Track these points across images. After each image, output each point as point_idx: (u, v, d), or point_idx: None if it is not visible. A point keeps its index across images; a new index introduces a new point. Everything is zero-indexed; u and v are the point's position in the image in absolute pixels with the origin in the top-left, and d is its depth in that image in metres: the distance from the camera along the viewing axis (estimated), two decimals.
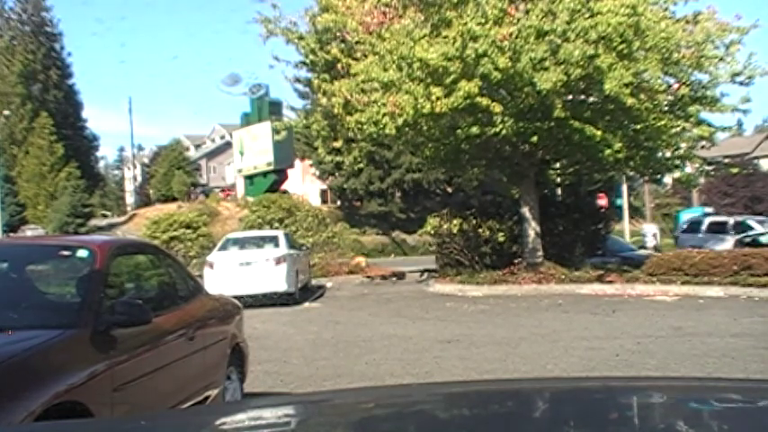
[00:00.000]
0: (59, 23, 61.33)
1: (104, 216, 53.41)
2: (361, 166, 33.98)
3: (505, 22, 13.53)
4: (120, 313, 3.76)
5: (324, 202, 42.30)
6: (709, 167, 19.33)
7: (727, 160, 34.93)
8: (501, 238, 17.64)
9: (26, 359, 3.23)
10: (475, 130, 14.73)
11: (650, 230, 30.29)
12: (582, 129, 14.40)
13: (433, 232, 19.28)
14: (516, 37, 13.36)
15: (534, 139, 15.23)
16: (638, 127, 15.12)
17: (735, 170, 26.72)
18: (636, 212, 39.67)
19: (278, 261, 15.08)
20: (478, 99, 13.60)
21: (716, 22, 14.74)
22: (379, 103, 14.46)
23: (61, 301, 4.34)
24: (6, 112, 45.60)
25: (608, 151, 14.92)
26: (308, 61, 16.96)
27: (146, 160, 67.53)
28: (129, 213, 51.88)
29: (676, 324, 10.27)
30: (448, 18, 13.86)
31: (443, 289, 16.58)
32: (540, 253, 16.52)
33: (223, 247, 16.28)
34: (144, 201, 57.01)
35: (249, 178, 34.51)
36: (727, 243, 20.98)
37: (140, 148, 76.88)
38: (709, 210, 39.27)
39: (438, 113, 14.07)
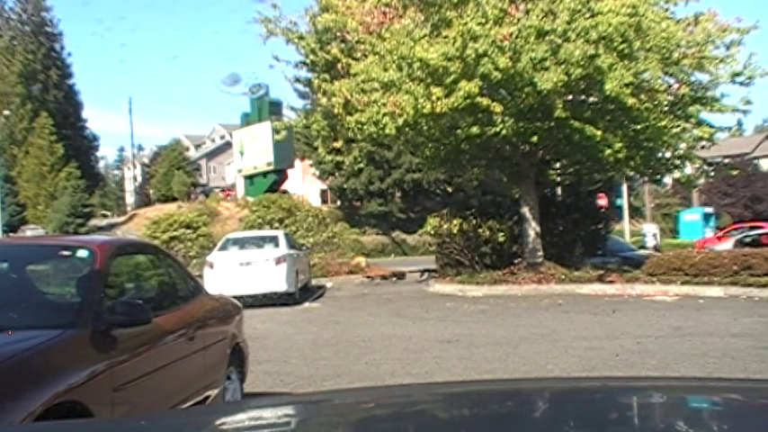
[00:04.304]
0: (59, 23, 61.57)
1: (104, 216, 53.42)
2: (361, 166, 34.01)
3: (506, 22, 13.53)
4: (120, 313, 3.76)
5: (324, 202, 42.30)
6: (709, 168, 19.33)
7: (727, 160, 35.04)
8: (501, 238, 17.63)
9: (26, 359, 3.23)
10: (475, 130, 14.73)
11: (650, 230, 30.27)
12: (582, 129, 14.40)
13: (433, 232, 19.28)
14: (516, 37, 13.36)
15: (534, 139, 15.23)
16: (639, 127, 15.12)
17: (735, 171, 26.76)
18: (636, 212, 39.67)
19: (278, 261, 15.08)
20: (479, 99, 13.60)
21: (716, 23, 14.74)
22: (379, 103, 14.45)
23: (61, 301, 4.34)
24: (6, 112, 45.62)
25: (608, 151, 14.91)
26: (308, 61, 16.96)
27: (146, 160, 67.53)
28: (129, 213, 51.90)
29: (676, 324, 10.27)
30: (448, 18, 13.85)
31: (443, 289, 16.58)
32: (540, 253, 16.52)
33: (223, 247, 16.27)
34: (144, 201, 57.02)
35: (249, 178, 34.53)
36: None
37: (140, 148, 77.03)
38: (709, 210, 39.39)
39: (438, 113, 14.06)
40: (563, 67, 13.34)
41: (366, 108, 14.65)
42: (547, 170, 18.41)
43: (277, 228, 22.32)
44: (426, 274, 19.88)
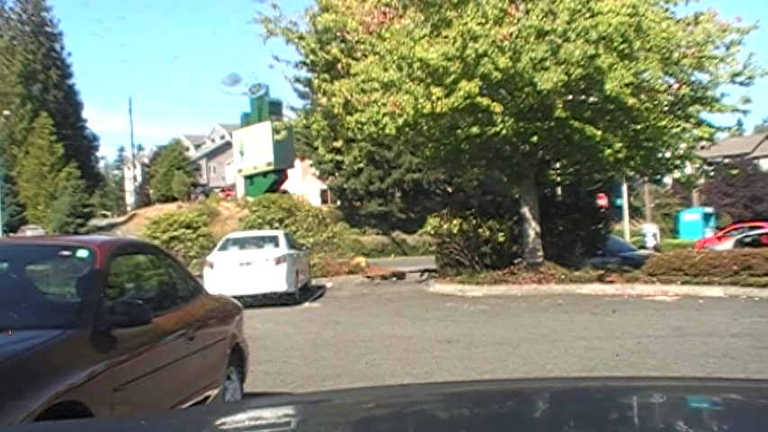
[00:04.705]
0: (59, 23, 61.53)
1: (104, 216, 53.42)
2: (361, 166, 33.97)
3: (506, 22, 13.53)
4: (120, 313, 3.76)
5: (324, 202, 42.30)
6: (709, 168, 19.33)
7: (727, 160, 35.04)
8: (501, 238, 17.63)
9: (26, 359, 3.23)
10: (475, 130, 14.73)
11: (650, 230, 30.28)
12: (582, 129, 14.40)
13: (433, 232, 19.28)
14: (516, 37, 13.36)
15: (534, 139, 15.23)
16: (639, 127, 15.12)
17: (735, 171, 26.75)
18: (636, 212, 39.67)
19: (278, 261, 15.08)
20: (479, 99, 13.60)
21: (716, 23, 14.74)
22: (379, 103, 14.45)
23: (61, 301, 4.34)
24: (6, 112, 45.59)
25: (608, 151, 14.92)
26: (308, 61, 16.96)
27: (146, 160, 67.53)
28: (129, 213, 51.89)
29: (676, 324, 10.27)
30: (448, 18, 13.85)
31: (443, 289, 16.58)
32: (540, 253, 16.51)
33: (223, 247, 16.27)
34: (144, 201, 57.01)
35: (249, 178, 34.54)
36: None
37: (140, 148, 77.03)
38: (709, 210, 39.41)
39: (438, 113, 14.06)
40: (563, 67, 13.34)
41: (366, 108, 14.64)
42: (547, 170, 18.41)
43: (277, 228, 22.33)
44: (426, 274, 19.87)
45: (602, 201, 26.93)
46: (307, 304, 15.06)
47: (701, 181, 24.54)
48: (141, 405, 3.83)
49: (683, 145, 16.81)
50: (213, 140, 73.12)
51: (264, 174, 32.96)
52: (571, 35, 13.37)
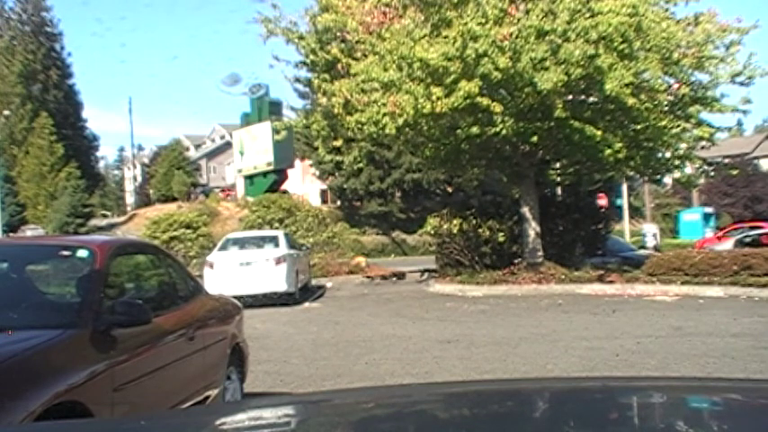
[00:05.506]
0: (59, 23, 61.54)
1: (104, 216, 53.39)
2: (361, 166, 33.99)
3: (506, 22, 13.53)
4: (120, 313, 3.76)
5: (324, 202, 42.29)
6: (709, 168, 19.34)
7: (727, 160, 35.04)
8: (501, 238, 17.63)
9: (26, 359, 3.23)
10: (475, 130, 14.73)
11: (650, 230, 30.28)
12: (582, 129, 14.40)
13: (433, 232, 19.29)
14: (516, 37, 13.36)
15: (534, 139, 15.23)
16: (639, 127, 15.13)
17: (735, 171, 26.75)
18: (636, 212, 39.67)
19: (278, 261, 15.08)
20: (479, 99, 13.60)
21: (716, 23, 14.75)
22: (379, 103, 14.46)
23: (61, 301, 4.34)
24: (6, 112, 45.58)
25: (608, 151, 14.92)
26: (308, 61, 16.96)
27: (146, 160, 67.51)
28: (129, 213, 51.87)
29: (676, 324, 10.27)
30: (448, 18, 13.86)
31: (443, 289, 16.58)
32: (540, 253, 16.51)
33: (223, 247, 16.27)
34: (144, 201, 56.99)
35: (249, 178, 34.56)
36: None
37: (140, 148, 77.05)
38: (709, 210, 39.40)
39: (438, 113, 14.06)
40: (563, 67, 13.34)
41: (366, 108, 14.65)
42: (547, 170, 18.41)
43: (277, 228, 22.34)
44: (426, 274, 19.87)
45: (602, 201, 26.93)
46: (307, 304, 15.06)
47: (701, 181, 24.55)
48: (141, 405, 3.83)
49: (683, 145, 16.81)
50: (213, 140, 73.12)
51: (264, 174, 32.98)
52: (571, 35, 13.37)
